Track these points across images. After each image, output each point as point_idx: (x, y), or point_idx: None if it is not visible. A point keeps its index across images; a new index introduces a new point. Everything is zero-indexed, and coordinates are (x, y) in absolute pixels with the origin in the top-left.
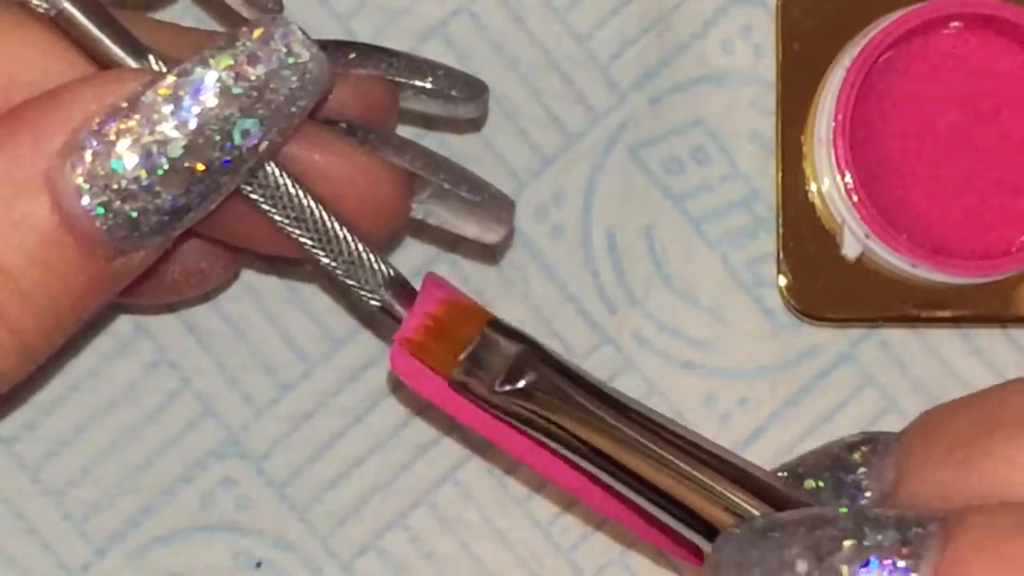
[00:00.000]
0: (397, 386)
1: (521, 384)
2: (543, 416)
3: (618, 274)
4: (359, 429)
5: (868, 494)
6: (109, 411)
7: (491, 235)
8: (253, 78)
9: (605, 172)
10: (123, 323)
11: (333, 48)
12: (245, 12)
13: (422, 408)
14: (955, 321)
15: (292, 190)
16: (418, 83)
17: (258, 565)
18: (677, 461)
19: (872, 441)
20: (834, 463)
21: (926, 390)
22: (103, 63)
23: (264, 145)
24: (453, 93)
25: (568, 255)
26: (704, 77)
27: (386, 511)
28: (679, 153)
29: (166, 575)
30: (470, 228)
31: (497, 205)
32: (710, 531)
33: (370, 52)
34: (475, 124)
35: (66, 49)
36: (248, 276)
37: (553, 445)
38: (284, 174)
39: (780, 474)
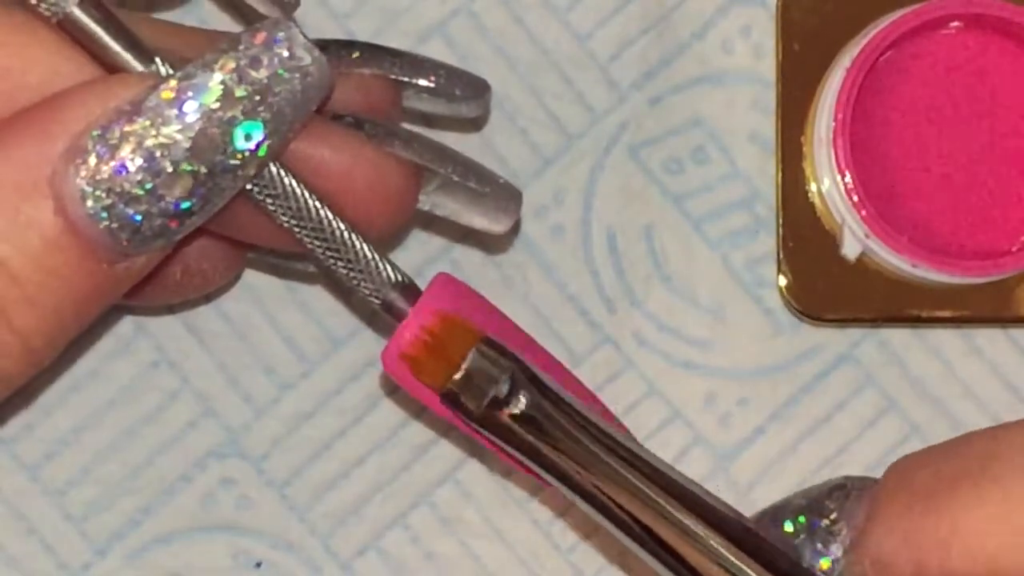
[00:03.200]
0: (397, 386)
1: (508, 407)
2: (526, 440)
3: (618, 274)
4: (359, 429)
5: (840, 538)
6: (109, 411)
7: (498, 225)
8: (255, 81)
9: (605, 172)
10: (123, 323)
11: (335, 48)
12: (263, 8)
13: (422, 409)
14: (955, 321)
15: (296, 190)
16: (420, 82)
17: (258, 565)
18: (658, 500)
19: (847, 487)
20: (811, 506)
21: (926, 390)
22: (109, 66)
23: (267, 148)
24: (456, 92)
25: (568, 255)
26: (704, 77)
27: (386, 511)
28: (679, 153)
29: (166, 575)
30: (477, 219)
31: (504, 195)
32: (681, 566)
33: (372, 52)
34: (477, 123)
35: (73, 52)
36: (248, 276)
37: (532, 466)
38: (288, 174)
39: (769, 510)
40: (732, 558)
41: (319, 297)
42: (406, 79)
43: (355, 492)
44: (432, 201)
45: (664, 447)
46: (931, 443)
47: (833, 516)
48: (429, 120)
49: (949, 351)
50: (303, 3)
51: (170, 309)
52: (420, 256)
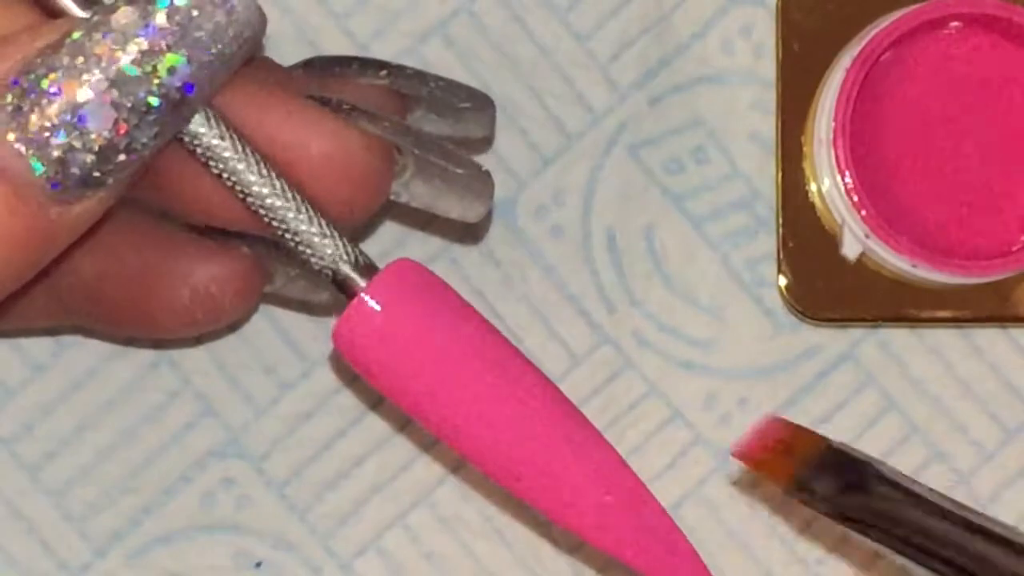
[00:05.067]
0: None
1: (858, 496)
2: (877, 527)
3: (618, 274)
4: (359, 429)
5: None
6: (109, 411)
7: (472, 213)
8: (177, 13)
9: (605, 172)
10: None
11: (335, 62)
12: None
13: None
14: (955, 321)
15: (237, 145)
16: (420, 94)
17: (258, 565)
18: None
19: None
20: None
21: (926, 390)
22: (54, 14)
23: (191, 82)
24: (456, 103)
25: (568, 255)
26: (704, 77)
27: (386, 511)
28: (679, 153)
29: (166, 575)
30: (452, 207)
31: (477, 179)
32: None
33: (372, 64)
34: (487, 142)
35: (19, 4)
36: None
37: (888, 552)
38: (228, 130)
39: None
40: None
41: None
42: (407, 91)
43: (355, 492)
44: (406, 191)
45: (664, 447)
46: (931, 443)
47: None
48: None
49: (949, 351)
50: (303, 3)
51: (197, 340)
52: (419, 256)
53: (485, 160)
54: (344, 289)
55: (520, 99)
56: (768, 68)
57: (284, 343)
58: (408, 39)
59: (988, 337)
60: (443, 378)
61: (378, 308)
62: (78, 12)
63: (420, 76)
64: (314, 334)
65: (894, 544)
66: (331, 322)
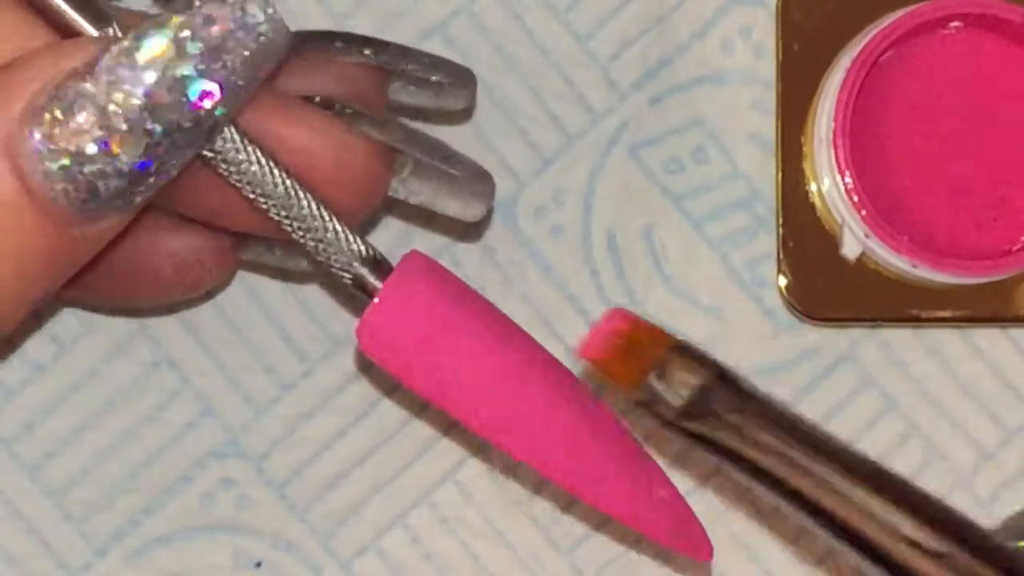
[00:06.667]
0: (397, 386)
1: (704, 412)
2: (724, 445)
3: (618, 274)
4: (359, 429)
5: None
6: (109, 411)
7: (471, 212)
8: (208, 39)
9: (605, 172)
10: (123, 323)
11: (319, 37)
12: None
13: (422, 408)
14: (955, 321)
15: (259, 158)
16: (404, 69)
17: (258, 565)
18: (872, 502)
19: None
20: None
21: (926, 390)
22: (67, 33)
23: (222, 108)
24: (439, 79)
25: (568, 255)
26: (704, 77)
27: (386, 511)
28: (679, 153)
29: (166, 575)
30: (451, 206)
31: (477, 180)
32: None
33: (356, 41)
34: (465, 114)
35: (29, 20)
36: (248, 276)
37: (734, 472)
38: (250, 144)
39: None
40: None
41: (319, 297)
42: (390, 67)
43: (355, 492)
44: (405, 188)
45: (664, 447)
46: (931, 443)
47: None
48: (417, 113)
49: (949, 351)
50: (303, 3)
51: (169, 310)
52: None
53: (486, 160)
54: (362, 288)
55: (520, 99)
56: (768, 68)
57: (284, 343)
58: (408, 39)
59: (988, 337)
60: (465, 362)
61: (396, 305)
62: (91, 31)
63: (404, 52)
64: (314, 334)
65: (740, 465)
66: (331, 322)
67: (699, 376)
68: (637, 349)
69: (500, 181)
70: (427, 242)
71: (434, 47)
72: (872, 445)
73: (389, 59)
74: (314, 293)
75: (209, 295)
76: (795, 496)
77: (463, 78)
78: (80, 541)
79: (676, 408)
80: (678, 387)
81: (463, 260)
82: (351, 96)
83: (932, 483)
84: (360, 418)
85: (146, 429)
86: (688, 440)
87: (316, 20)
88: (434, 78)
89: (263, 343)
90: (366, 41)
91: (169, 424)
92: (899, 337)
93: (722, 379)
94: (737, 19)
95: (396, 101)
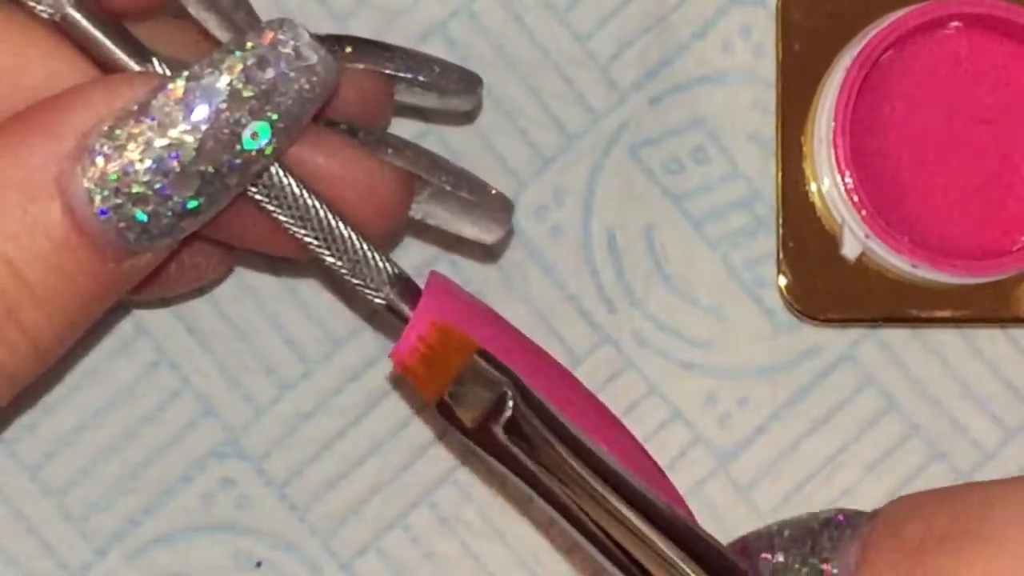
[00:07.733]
0: (397, 386)
1: (499, 421)
2: (513, 455)
3: (618, 274)
4: (359, 429)
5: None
6: (109, 411)
7: (489, 235)
8: (263, 81)
9: (605, 172)
10: (123, 323)
11: (329, 43)
12: (219, 34)
13: (422, 408)
14: (955, 321)
15: (296, 190)
16: (413, 77)
17: (258, 565)
18: (635, 522)
19: (843, 524)
20: (800, 540)
21: (926, 390)
22: (107, 67)
23: (273, 147)
24: (449, 86)
25: (568, 255)
26: (704, 77)
27: (386, 511)
28: (679, 153)
29: (166, 575)
30: (468, 228)
31: (496, 206)
32: None
33: (366, 47)
34: (469, 116)
35: (69, 53)
36: (248, 276)
37: (519, 482)
38: (288, 175)
39: (750, 538)
40: None
41: (319, 297)
42: (400, 74)
43: (355, 492)
44: (424, 210)
45: (664, 447)
46: (931, 443)
47: (826, 555)
48: (421, 113)
49: (949, 351)
50: (303, 3)
51: (164, 303)
52: (420, 256)
53: (486, 160)
54: (395, 312)
55: (520, 99)
56: (768, 68)
57: (284, 343)
58: (408, 39)
59: (988, 337)
60: None
61: (427, 329)
62: (134, 66)
63: (412, 57)
64: (314, 334)
65: (527, 478)
66: (331, 322)
67: (494, 388)
68: (441, 358)
69: (500, 181)
70: (423, 245)
71: (434, 47)
72: (872, 445)
73: (398, 64)
74: (314, 293)
75: (202, 291)
76: (566, 512)
77: (470, 83)
78: (80, 541)
79: (471, 418)
80: (475, 398)
81: (463, 261)
82: (361, 99)
83: (932, 483)
84: (360, 418)
85: (146, 429)
86: (482, 450)
87: (316, 20)
88: (442, 84)
89: (263, 343)
90: (374, 46)
91: (169, 424)
92: (899, 337)
93: (518, 392)
94: (737, 19)
95: (401, 101)
